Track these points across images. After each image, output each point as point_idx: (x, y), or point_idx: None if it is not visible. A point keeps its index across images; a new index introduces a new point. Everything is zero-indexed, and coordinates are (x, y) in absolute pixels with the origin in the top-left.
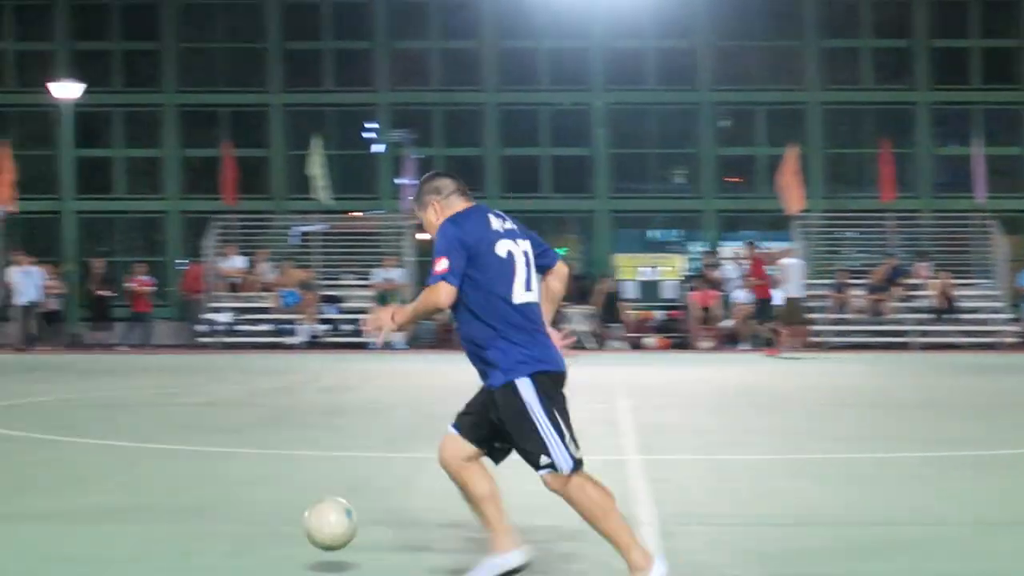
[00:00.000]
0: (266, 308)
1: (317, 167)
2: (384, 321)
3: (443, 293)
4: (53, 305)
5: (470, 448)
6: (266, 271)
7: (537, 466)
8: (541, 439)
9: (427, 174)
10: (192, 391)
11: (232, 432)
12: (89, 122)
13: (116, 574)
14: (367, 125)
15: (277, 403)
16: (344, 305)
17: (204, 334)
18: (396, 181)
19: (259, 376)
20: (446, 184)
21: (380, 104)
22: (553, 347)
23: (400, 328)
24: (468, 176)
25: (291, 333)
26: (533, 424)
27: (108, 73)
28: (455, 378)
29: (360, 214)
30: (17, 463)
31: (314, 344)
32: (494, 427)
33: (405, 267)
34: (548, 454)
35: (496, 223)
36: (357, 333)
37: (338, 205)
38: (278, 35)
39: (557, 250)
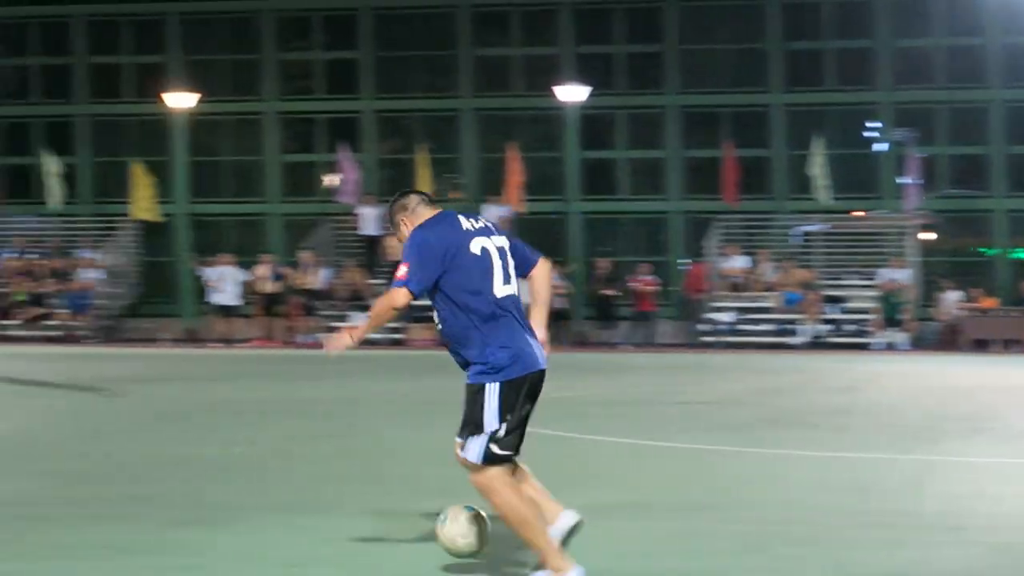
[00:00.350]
0: (768, 308)
1: (818, 167)
2: (343, 340)
3: (398, 297)
4: (559, 304)
5: None
6: (768, 271)
7: (458, 433)
8: (478, 426)
9: (393, 198)
10: (694, 390)
11: (734, 431)
12: (593, 124)
13: (631, 568)
14: (869, 124)
15: (779, 403)
16: (847, 305)
17: (706, 333)
18: (899, 180)
19: (761, 375)
20: (410, 199)
21: (882, 103)
22: (532, 343)
23: (358, 342)
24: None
25: (793, 333)
26: (480, 415)
27: (612, 76)
28: (960, 380)
29: (862, 213)
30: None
31: (816, 344)
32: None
33: (910, 267)
34: (468, 435)
35: (467, 224)
36: (860, 333)
37: (839, 205)
38: (779, 35)
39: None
